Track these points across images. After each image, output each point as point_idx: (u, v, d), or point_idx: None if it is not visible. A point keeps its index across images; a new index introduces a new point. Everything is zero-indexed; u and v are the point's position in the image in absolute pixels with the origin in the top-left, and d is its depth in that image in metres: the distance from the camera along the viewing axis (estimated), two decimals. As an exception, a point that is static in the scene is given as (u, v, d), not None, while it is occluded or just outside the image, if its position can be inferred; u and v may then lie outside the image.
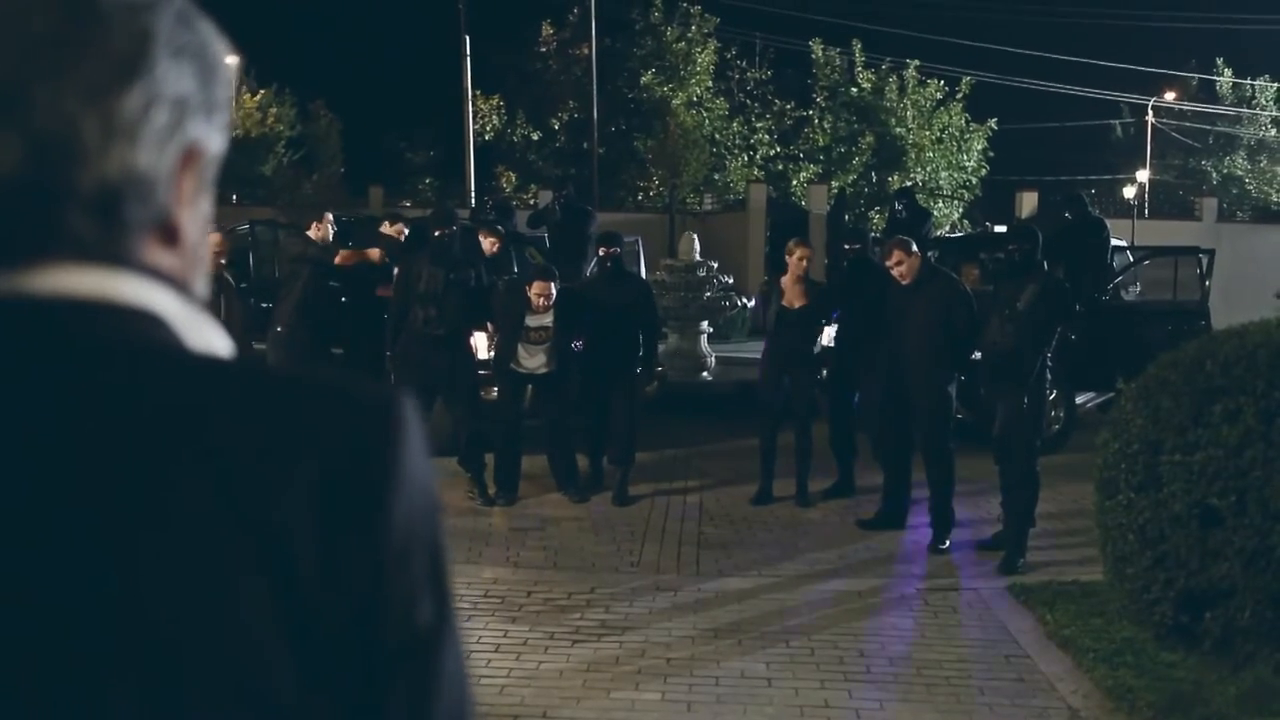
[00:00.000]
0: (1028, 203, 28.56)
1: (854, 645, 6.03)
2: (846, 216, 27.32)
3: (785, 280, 8.96)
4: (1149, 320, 11.89)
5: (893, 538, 8.11)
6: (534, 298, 8.57)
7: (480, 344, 9.47)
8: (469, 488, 8.92)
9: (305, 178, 36.23)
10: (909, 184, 20.94)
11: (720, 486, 9.61)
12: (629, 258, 12.67)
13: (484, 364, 9.26)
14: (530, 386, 8.90)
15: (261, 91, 38.37)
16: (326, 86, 41.40)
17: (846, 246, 9.33)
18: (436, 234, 8.86)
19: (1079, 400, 11.61)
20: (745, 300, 16.23)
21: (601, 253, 9.03)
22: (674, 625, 6.25)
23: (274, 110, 38.35)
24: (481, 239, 9.89)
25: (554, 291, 8.63)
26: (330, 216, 9.85)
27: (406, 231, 9.88)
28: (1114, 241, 12.96)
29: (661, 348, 15.00)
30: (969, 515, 8.52)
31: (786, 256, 8.98)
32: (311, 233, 9.76)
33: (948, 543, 7.86)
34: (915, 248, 7.96)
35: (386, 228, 9.69)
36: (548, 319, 8.67)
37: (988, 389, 7.94)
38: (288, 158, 38.35)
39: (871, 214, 33.30)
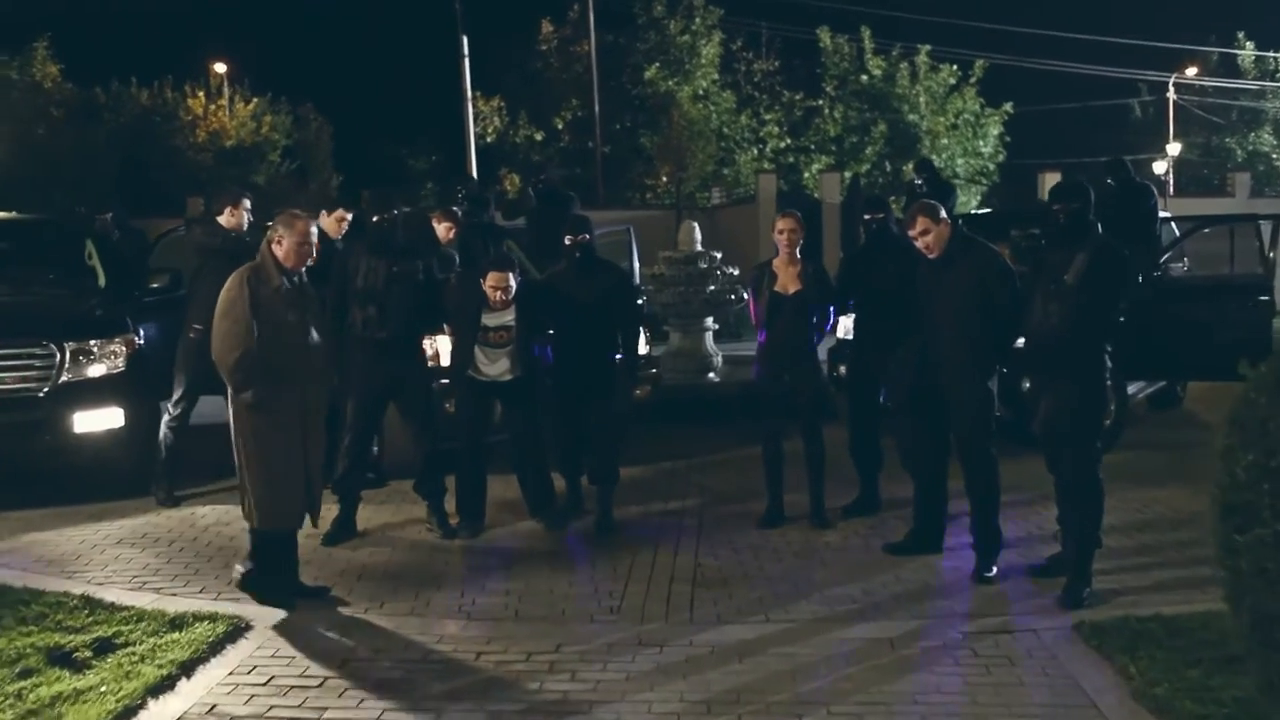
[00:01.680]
0: (1051, 184, 27.10)
1: (886, 716, 4.70)
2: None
3: (776, 262, 7.64)
4: (1203, 298, 10.47)
5: (928, 565, 6.74)
6: (490, 292, 7.26)
7: (443, 349, 8.16)
8: (427, 517, 7.63)
9: (302, 187, 34.99)
10: (928, 156, 19.51)
11: (723, 505, 8.28)
12: (618, 249, 11.31)
13: (443, 371, 7.95)
14: (494, 397, 7.58)
15: (255, 100, 37.23)
16: (320, 93, 40.00)
17: (867, 216, 7.95)
18: (375, 220, 7.55)
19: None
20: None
21: (568, 241, 7.67)
22: (656, 696, 4.91)
23: (269, 119, 37.19)
24: (435, 224, 8.59)
25: (513, 284, 7.31)
26: (247, 202, 8.52)
27: (349, 219, 8.53)
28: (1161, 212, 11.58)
29: (662, 348, 13.73)
30: (1018, 533, 7.19)
31: (773, 234, 7.67)
32: (224, 219, 8.43)
33: (995, 569, 6.50)
34: (944, 213, 6.61)
35: (324, 217, 8.38)
36: (508, 317, 7.36)
37: (1033, 381, 6.60)
38: (285, 167, 37.18)
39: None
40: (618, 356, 7.71)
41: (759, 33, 38.71)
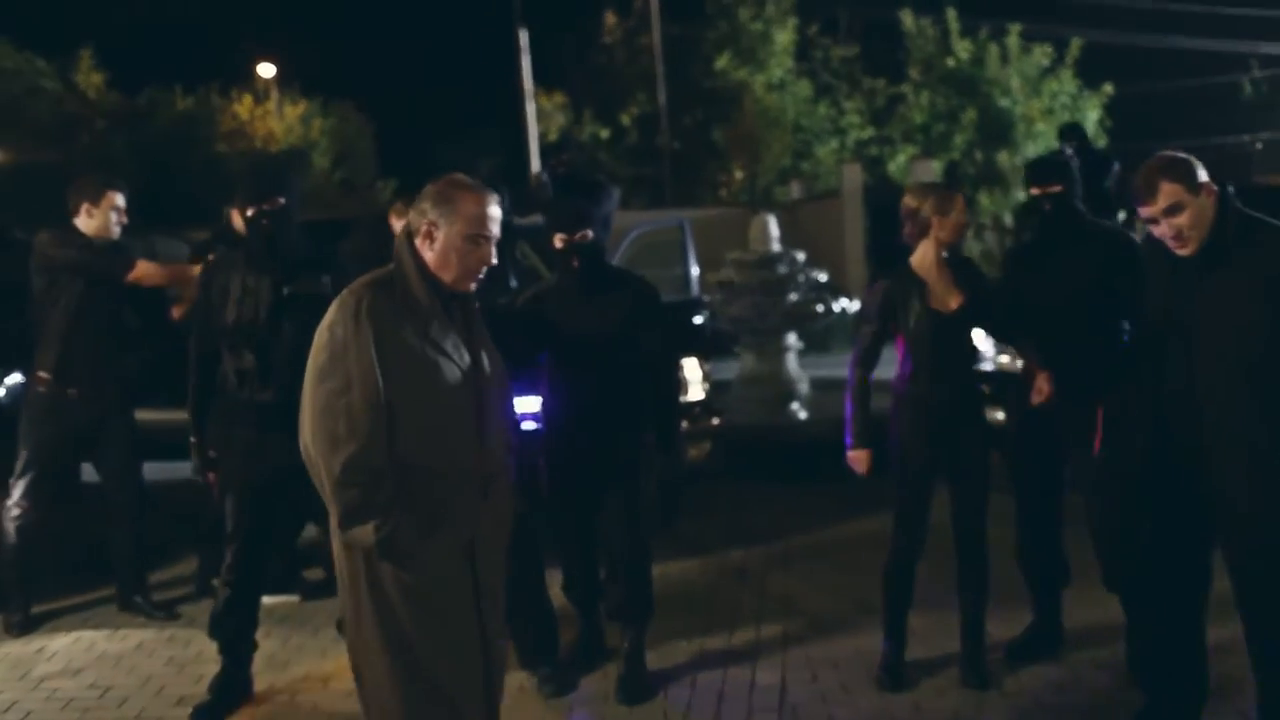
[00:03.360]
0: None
1: None
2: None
3: (921, 263, 4.88)
4: None
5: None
6: None
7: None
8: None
9: (349, 191, 32.88)
10: (1076, 122, 16.47)
11: (818, 636, 5.47)
12: (666, 250, 8.58)
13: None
14: None
15: (304, 102, 35.18)
16: (370, 93, 37.84)
17: (1035, 191, 5.15)
18: (250, 214, 4.87)
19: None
20: (846, 302, 12.04)
21: (559, 242, 4.93)
22: None
23: (318, 122, 35.12)
24: (394, 223, 5.96)
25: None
26: (118, 198, 5.87)
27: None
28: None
29: (732, 374, 11.03)
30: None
31: (932, 213, 4.86)
32: (81, 222, 5.86)
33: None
34: (1203, 175, 3.80)
35: (235, 218, 5.81)
36: None
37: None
38: (336, 175, 35.05)
39: (980, 197, 29.44)
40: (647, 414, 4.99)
41: (836, 17, 36.41)
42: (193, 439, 4.92)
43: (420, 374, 3.32)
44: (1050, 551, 5.12)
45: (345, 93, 36.50)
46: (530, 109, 30.19)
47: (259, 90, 34.86)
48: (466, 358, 3.41)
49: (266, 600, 5.32)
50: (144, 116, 31.54)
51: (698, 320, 9.45)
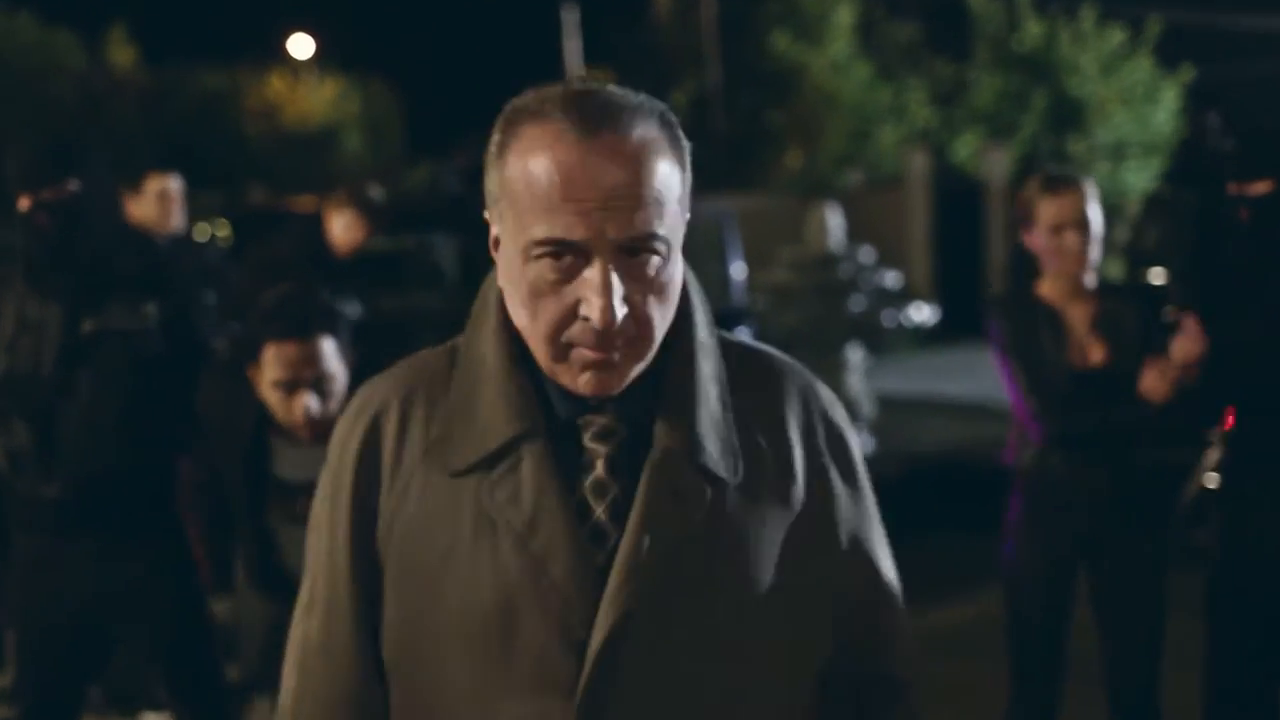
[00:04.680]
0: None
1: None
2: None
3: (1050, 291, 3.24)
4: None
5: None
6: (280, 403, 3.07)
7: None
8: None
9: (382, 175, 31.56)
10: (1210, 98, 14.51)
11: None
12: (704, 247, 6.86)
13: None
14: None
15: (335, 79, 33.95)
16: (405, 69, 36.58)
17: (1236, 189, 3.39)
18: (25, 206, 3.17)
19: None
20: (919, 309, 10.24)
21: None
22: None
23: (355, 100, 33.84)
24: (330, 221, 4.34)
25: (332, 369, 3.08)
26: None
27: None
28: None
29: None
30: None
31: (1032, 230, 3.26)
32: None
33: None
34: None
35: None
36: None
37: None
38: (371, 157, 33.71)
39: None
40: None
41: None
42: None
43: (457, 594, 1.64)
44: (1254, 697, 3.42)
45: (378, 69, 35.23)
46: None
47: (293, 68, 33.64)
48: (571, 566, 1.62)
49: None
50: (165, 95, 30.37)
51: (740, 337, 7.77)
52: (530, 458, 1.60)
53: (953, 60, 32.49)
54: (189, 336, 3.27)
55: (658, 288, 1.57)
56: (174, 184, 5.31)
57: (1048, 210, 3.46)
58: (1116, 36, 30.91)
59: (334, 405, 2.91)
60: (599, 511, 1.62)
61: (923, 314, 9.70)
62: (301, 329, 2.93)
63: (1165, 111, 30.44)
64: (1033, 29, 31.00)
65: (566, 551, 1.57)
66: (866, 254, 9.13)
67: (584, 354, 1.56)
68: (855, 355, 9.08)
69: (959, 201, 19.59)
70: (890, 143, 30.50)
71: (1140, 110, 30.71)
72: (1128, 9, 32.40)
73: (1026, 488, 3.51)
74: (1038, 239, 3.49)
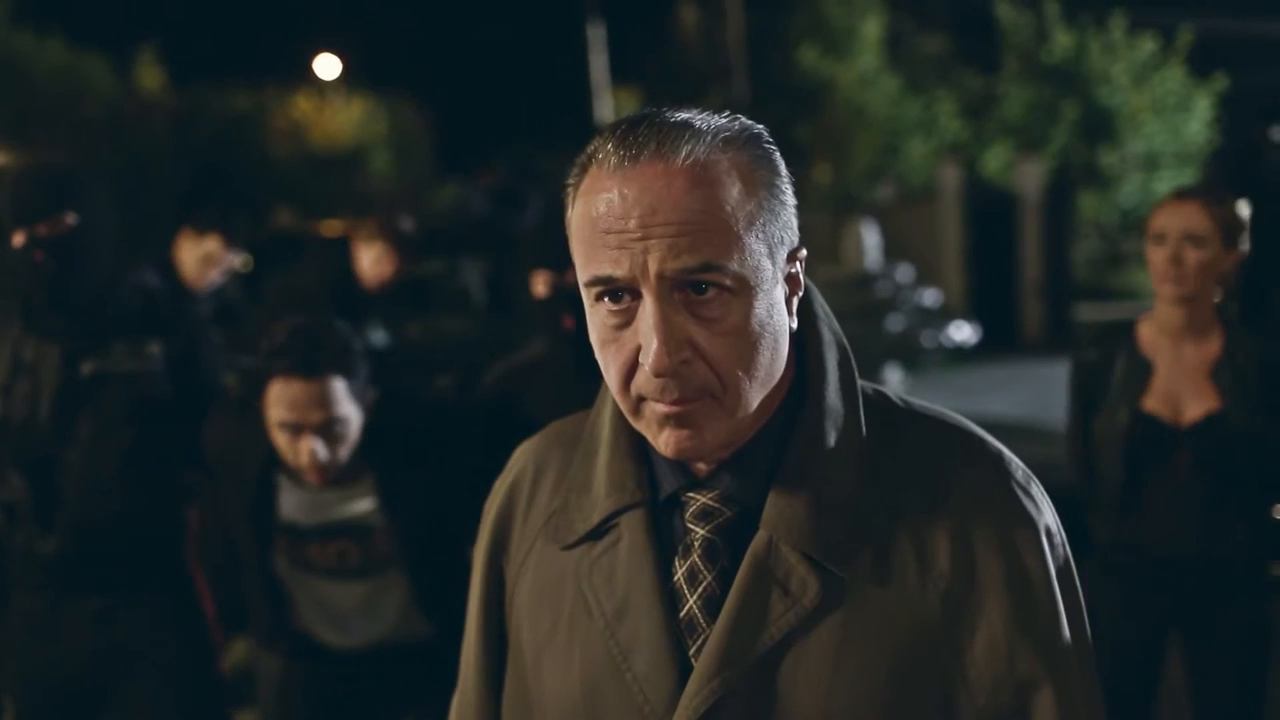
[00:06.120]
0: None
1: None
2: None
3: (1152, 331, 2.94)
4: None
5: None
6: (287, 445, 2.80)
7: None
8: None
9: (410, 196, 31.55)
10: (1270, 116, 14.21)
11: None
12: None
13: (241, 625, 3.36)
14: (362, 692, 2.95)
15: (361, 99, 34.01)
16: (433, 89, 36.74)
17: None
18: (20, 242, 2.94)
19: None
20: (959, 328, 9.98)
21: (543, 287, 3.02)
22: None
23: (382, 121, 33.91)
24: (360, 251, 4.16)
25: (344, 413, 2.78)
26: None
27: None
28: None
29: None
30: None
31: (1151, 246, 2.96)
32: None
33: None
34: None
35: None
36: (358, 504, 2.83)
37: None
38: (400, 177, 33.76)
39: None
40: None
41: (927, 9, 34.96)
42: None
43: (553, 679, 1.53)
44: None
45: (405, 89, 35.32)
46: (608, 103, 29.09)
47: (320, 88, 33.71)
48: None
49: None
50: (193, 117, 30.43)
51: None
52: (629, 536, 1.47)
53: (982, 72, 32.43)
54: (196, 378, 3.04)
55: (730, 329, 1.36)
56: (227, 254, 5.05)
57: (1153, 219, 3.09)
58: (1147, 46, 30.71)
59: (344, 450, 2.70)
60: (692, 601, 1.44)
61: (963, 333, 9.39)
62: (310, 367, 2.69)
63: (1198, 121, 30.22)
64: (1062, 40, 31.01)
65: (651, 645, 1.42)
66: (904, 272, 8.89)
67: (654, 408, 1.38)
68: (894, 376, 8.84)
69: (992, 215, 19.25)
70: (919, 156, 30.34)
71: (1172, 120, 30.44)
72: (1158, 18, 32.18)
73: (1101, 563, 3.14)
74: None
